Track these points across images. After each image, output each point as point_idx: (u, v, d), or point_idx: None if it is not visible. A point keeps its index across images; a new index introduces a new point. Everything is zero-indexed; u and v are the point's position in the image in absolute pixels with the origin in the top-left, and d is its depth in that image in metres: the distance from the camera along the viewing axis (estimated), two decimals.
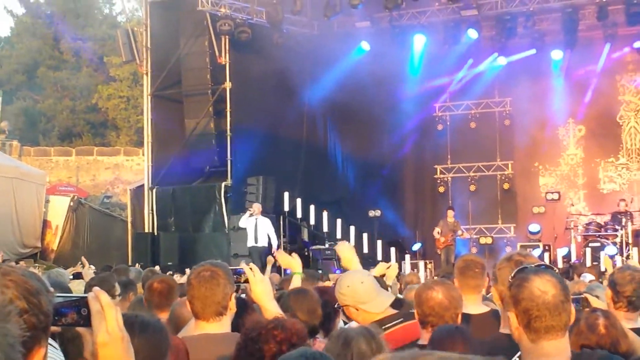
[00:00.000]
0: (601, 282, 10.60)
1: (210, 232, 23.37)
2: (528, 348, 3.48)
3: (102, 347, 2.43)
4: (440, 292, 5.16)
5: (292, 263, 7.31)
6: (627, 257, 21.45)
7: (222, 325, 4.74)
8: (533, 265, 3.63)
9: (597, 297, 6.22)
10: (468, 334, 4.43)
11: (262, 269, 16.48)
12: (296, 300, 5.82)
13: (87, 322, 2.44)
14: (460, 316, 5.22)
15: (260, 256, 20.54)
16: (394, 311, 5.82)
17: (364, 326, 4.06)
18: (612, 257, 21.21)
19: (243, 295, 6.64)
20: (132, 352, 2.52)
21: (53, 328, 2.42)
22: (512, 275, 3.56)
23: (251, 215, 21.07)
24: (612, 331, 4.49)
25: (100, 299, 2.45)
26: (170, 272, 15.93)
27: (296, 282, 7.08)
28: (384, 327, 5.30)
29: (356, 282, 5.79)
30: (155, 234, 23.76)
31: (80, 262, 12.91)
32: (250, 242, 21.30)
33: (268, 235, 21.30)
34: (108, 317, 2.43)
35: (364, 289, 5.75)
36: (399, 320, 5.60)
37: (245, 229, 21.33)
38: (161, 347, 3.25)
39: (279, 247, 21.14)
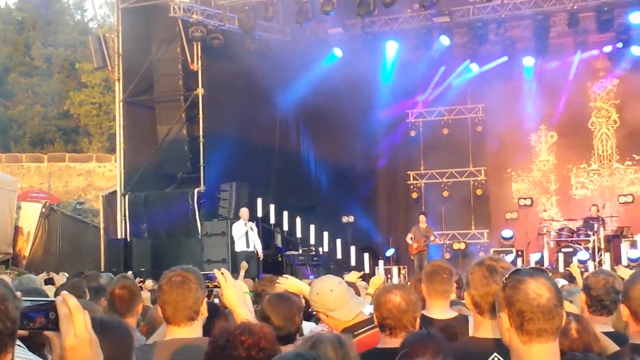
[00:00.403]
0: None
1: (184, 238, 23.31)
2: (519, 350, 3.47)
3: (70, 351, 2.40)
4: (399, 295, 5.16)
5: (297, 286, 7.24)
6: (599, 263, 21.60)
7: (193, 330, 4.73)
8: (528, 268, 3.64)
9: (571, 301, 6.26)
10: (439, 339, 4.43)
11: (255, 275, 16.45)
12: (273, 306, 5.81)
13: (55, 326, 2.41)
14: (418, 320, 5.22)
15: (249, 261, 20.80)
16: (366, 316, 5.83)
17: (337, 334, 4.06)
18: (584, 262, 21.37)
19: (216, 300, 6.61)
20: (101, 355, 2.51)
21: (20, 332, 2.40)
22: (507, 276, 3.55)
23: (241, 220, 21.38)
24: (584, 335, 4.50)
25: (68, 303, 2.42)
26: (141, 279, 15.86)
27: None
28: (355, 333, 5.31)
29: (325, 289, 5.79)
30: (128, 240, 23.68)
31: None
32: (242, 247, 21.41)
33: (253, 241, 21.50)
34: (76, 320, 2.41)
35: (332, 297, 5.76)
36: (371, 326, 5.61)
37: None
38: (123, 346, 3.22)
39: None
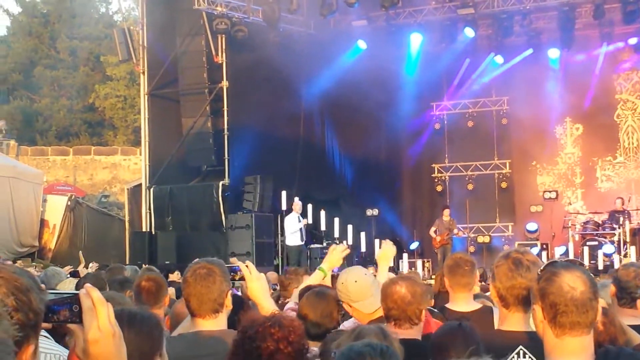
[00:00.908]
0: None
1: (208, 231, 23.33)
2: (552, 343, 3.46)
3: (93, 344, 2.39)
4: (404, 286, 5.17)
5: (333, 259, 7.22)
6: (625, 256, 21.48)
7: (218, 322, 4.74)
8: (564, 260, 3.63)
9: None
10: (470, 330, 4.41)
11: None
12: (311, 303, 5.81)
13: (78, 318, 2.41)
14: (423, 312, 5.23)
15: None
16: None
17: (379, 325, 4.06)
18: (609, 255, 21.28)
19: (238, 292, 6.62)
20: (124, 348, 2.49)
21: (44, 325, 2.41)
22: (542, 268, 3.54)
23: (294, 213, 21.84)
24: (611, 328, 4.48)
25: (92, 296, 2.41)
26: (169, 271, 15.94)
27: (317, 276, 6.99)
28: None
29: (350, 280, 5.79)
30: (153, 233, 23.75)
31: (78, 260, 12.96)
32: (296, 242, 21.77)
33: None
34: (99, 313, 2.40)
35: (356, 288, 5.75)
36: None
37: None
38: (153, 336, 3.22)
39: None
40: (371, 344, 3.25)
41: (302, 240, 21.84)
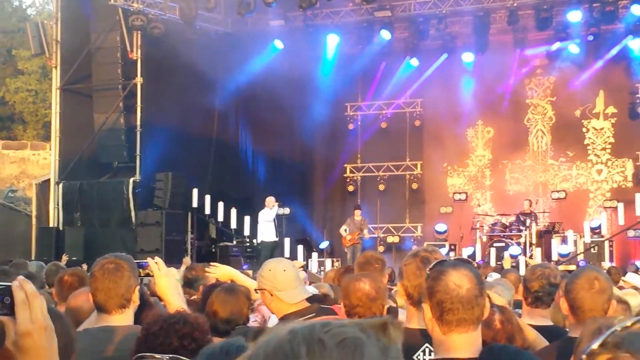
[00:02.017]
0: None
1: (117, 228, 23.13)
2: (439, 340, 3.52)
3: (25, 337, 2.37)
4: (368, 283, 5.21)
5: (229, 273, 7.19)
6: (530, 257, 21.83)
7: (125, 318, 4.71)
8: (453, 259, 3.69)
9: (498, 294, 6.32)
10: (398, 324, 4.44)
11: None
12: (221, 299, 5.80)
13: (10, 311, 2.38)
14: (386, 307, 5.27)
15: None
16: (307, 305, 5.83)
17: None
18: (515, 257, 21.63)
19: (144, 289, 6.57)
20: (55, 342, 2.47)
21: None
22: (430, 267, 3.60)
23: (273, 207, 22.01)
24: (508, 326, 4.56)
25: (25, 288, 2.39)
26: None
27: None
28: (296, 321, 5.31)
29: (279, 269, 5.79)
30: (61, 228, 23.45)
31: None
32: (271, 237, 21.79)
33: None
34: (32, 306, 2.38)
35: (284, 277, 5.73)
36: (312, 314, 5.62)
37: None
38: (70, 335, 3.20)
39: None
40: (228, 343, 3.25)
41: (276, 236, 21.84)
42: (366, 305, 5.15)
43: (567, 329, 5.15)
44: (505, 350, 3.50)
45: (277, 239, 22.18)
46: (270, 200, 22.34)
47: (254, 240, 23.73)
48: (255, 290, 6.02)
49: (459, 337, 3.47)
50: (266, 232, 22.11)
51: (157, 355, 2.60)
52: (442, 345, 3.52)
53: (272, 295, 5.74)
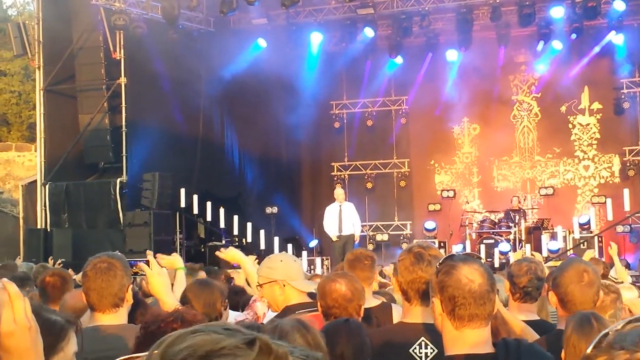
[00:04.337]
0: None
1: (105, 229, 23.03)
2: (452, 335, 3.48)
3: (8, 337, 2.36)
4: (344, 284, 5.16)
5: (170, 262, 7.16)
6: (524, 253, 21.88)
7: (118, 317, 4.69)
8: (462, 254, 3.66)
9: (497, 290, 6.28)
10: (357, 326, 4.42)
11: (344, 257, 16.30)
12: (194, 292, 5.76)
13: None
14: (362, 308, 5.22)
15: (344, 246, 20.54)
16: (306, 300, 5.84)
17: (296, 319, 4.03)
18: (505, 253, 21.69)
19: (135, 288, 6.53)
20: (41, 342, 2.46)
21: None
22: (440, 262, 3.56)
23: (336, 203, 21.44)
24: (491, 321, 4.53)
25: (8, 289, 2.39)
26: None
27: (180, 277, 6.95)
28: (298, 312, 5.30)
29: (289, 259, 5.86)
30: (48, 230, 23.33)
31: None
32: (334, 232, 21.30)
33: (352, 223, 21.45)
34: (16, 306, 2.37)
35: (296, 267, 5.90)
36: (313, 309, 5.60)
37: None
38: (52, 332, 3.15)
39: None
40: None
41: (339, 230, 21.30)
42: (342, 306, 5.11)
43: (556, 323, 5.11)
44: (522, 345, 3.46)
45: (339, 234, 21.41)
46: (336, 193, 22.05)
47: (243, 239, 23.67)
48: (258, 285, 6.00)
49: (472, 332, 3.43)
50: (329, 227, 21.69)
51: (140, 355, 2.55)
52: (454, 341, 3.48)
53: (284, 285, 5.75)
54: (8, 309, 2.36)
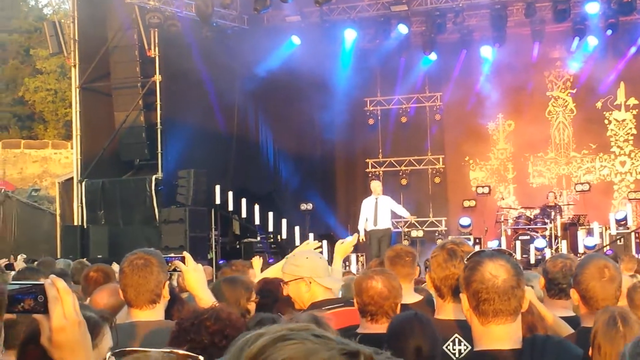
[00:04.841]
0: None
1: (141, 225, 23.15)
2: (479, 330, 3.50)
3: (59, 332, 2.41)
4: (380, 281, 5.14)
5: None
6: (556, 250, 21.77)
7: (155, 313, 4.71)
8: (490, 250, 3.67)
9: (532, 286, 6.26)
10: (426, 320, 4.41)
11: (382, 252, 16.29)
12: (219, 289, 5.78)
13: (44, 308, 2.42)
14: (399, 305, 5.21)
15: (380, 240, 20.54)
16: (333, 296, 5.85)
17: (311, 313, 4.04)
18: (541, 250, 21.56)
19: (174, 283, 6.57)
20: (89, 337, 2.52)
21: (8, 316, 2.45)
22: (468, 257, 3.58)
23: (372, 196, 21.29)
24: (528, 317, 4.53)
25: (57, 285, 2.43)
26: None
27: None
28: (325, 308, 5.31)
29: (316, 256, 5.89)
30: (85, 227, 23.49)
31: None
32: (369, 226, 21.21)
33: (393, 213, 21.45)
34: (65, 302, 2.42)
35: (323, 264, 5.92)
36: (340, 304, 5.62)
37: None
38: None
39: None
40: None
41: (374, 224, 21.10)
42: (378, 303, 5.09)
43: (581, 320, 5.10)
44: (549, 341, 3.46)
45: (374, 228, 21.24)
46: (373, 185, 21.99)
47: (278, 236, 23.72)
48: (283, 282, 6.01)
49: (497, 328, 3.45)
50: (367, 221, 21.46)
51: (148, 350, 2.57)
52: (482, 336, 3.50)
53: (310, 282, 5.76)
54: (58, 304, 2.41)
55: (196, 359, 2.47)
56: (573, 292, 4.99)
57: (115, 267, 9.39)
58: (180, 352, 2.56)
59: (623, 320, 3.97)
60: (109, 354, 2.71)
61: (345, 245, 7.42)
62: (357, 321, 5.20)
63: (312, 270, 5.79)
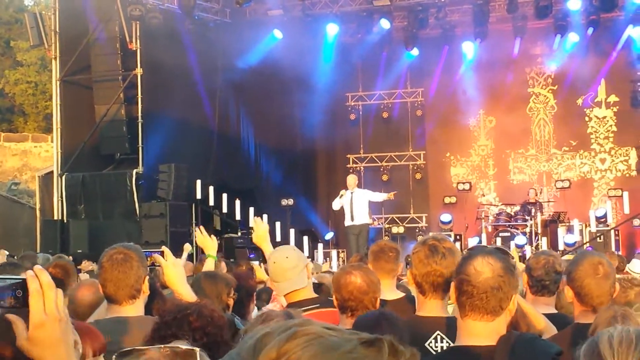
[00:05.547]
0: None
1: (121, 220, 23.06)
2: (459, 324, 3.52)
3: (38, 328, 2.26)
4: (359, 276, 5.14)
5: (207, 244, 7.19)
6: (537, 247, 21.86)
7: (135, 308, 4.69)
8: (492, 247, 3.69)
9: None
10: (393, 317, 4.40)
11: (361, 248, 16.13)
12: (200, 285, 5.77)
13: (24, 304, 2.27)
14: (378, 300, 5.20)
15: (358, 236, 20.43)
16: (315, 295, 5.82)
17: (286, 310, 4.03)
18: (521, 246, 21.61)
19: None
20: (71, 335, 2.37)
21: None
22: (469, 248, 3.62)
23: (342, 196, 21.00)
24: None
25: (41, 279, 2.28)
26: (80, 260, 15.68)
27: (209, 265, 6.97)
28: (303, 309, 5.29)
29: (279, 258, 5.82)
30: (65, 221, 23.38)
31: None
32: (347, 222, 21.14)
33: (372, 207, 21.36)
34: (47, 297, 2.28)
35: (274, 268, 5.83)
36: (316, 305, 5.59)
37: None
38: None
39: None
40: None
41: (351, 219, 20.98)
42: (358, 298, 5.09)
43: (574, 317, 5.08)
44: (522, 338, 3.46)
45: (351, 223, 21.17)
46: (349, 179, 21.80)
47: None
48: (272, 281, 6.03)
49: (474, 323, 3.45)
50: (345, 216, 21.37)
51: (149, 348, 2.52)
52: (461, 330, 3.54)
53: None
54: (39, 299, 2.27)
55: (194, 353, 2.43)
56: (567, 290, 4.99)
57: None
58: (183, 347, 2.52)
59: (624, 320, 3.98)
60: (114, 355, 2.61)
61: (259, 234, 7.06)
62: (334, 322, 5.16)
63: (273, 276, 5.84)
